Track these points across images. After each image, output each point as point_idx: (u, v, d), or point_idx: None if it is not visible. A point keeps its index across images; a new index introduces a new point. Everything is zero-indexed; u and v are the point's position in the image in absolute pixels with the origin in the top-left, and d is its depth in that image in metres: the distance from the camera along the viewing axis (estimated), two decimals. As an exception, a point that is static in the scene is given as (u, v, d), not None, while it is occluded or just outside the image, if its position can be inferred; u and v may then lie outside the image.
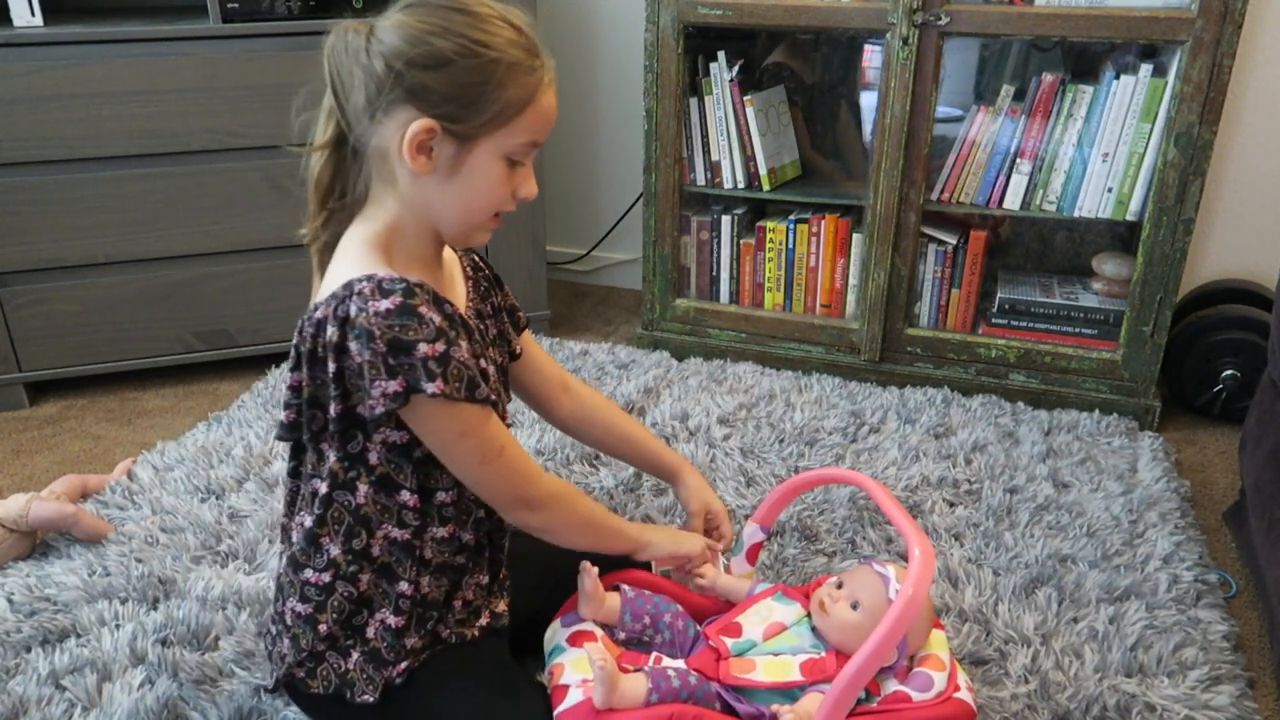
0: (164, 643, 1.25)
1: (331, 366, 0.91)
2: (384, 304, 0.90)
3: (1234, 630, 1.31)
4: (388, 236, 0.97)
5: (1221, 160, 2.03)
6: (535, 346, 1.26)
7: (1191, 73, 1.66)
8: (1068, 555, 1.45)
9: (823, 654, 1.10)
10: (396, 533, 1.01)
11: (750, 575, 1.26)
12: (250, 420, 1.85)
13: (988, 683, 1.20)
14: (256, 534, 1.48)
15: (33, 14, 1.80)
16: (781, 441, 1.77)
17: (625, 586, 1.17)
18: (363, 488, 0.99)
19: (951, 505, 1.59)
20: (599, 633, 1.13)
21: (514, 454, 1.01)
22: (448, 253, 1.10)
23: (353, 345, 0.90)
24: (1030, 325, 1.98)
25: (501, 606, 1.13)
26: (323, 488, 1.00)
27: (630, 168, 2.52)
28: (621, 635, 1.14)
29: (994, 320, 2.00)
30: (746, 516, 1.54)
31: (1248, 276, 2.07)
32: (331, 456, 0.98)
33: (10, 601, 1.32)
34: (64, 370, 2.00)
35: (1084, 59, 1.97)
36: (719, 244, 2.15)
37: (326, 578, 1.02)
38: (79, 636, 1.27)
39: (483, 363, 1.01)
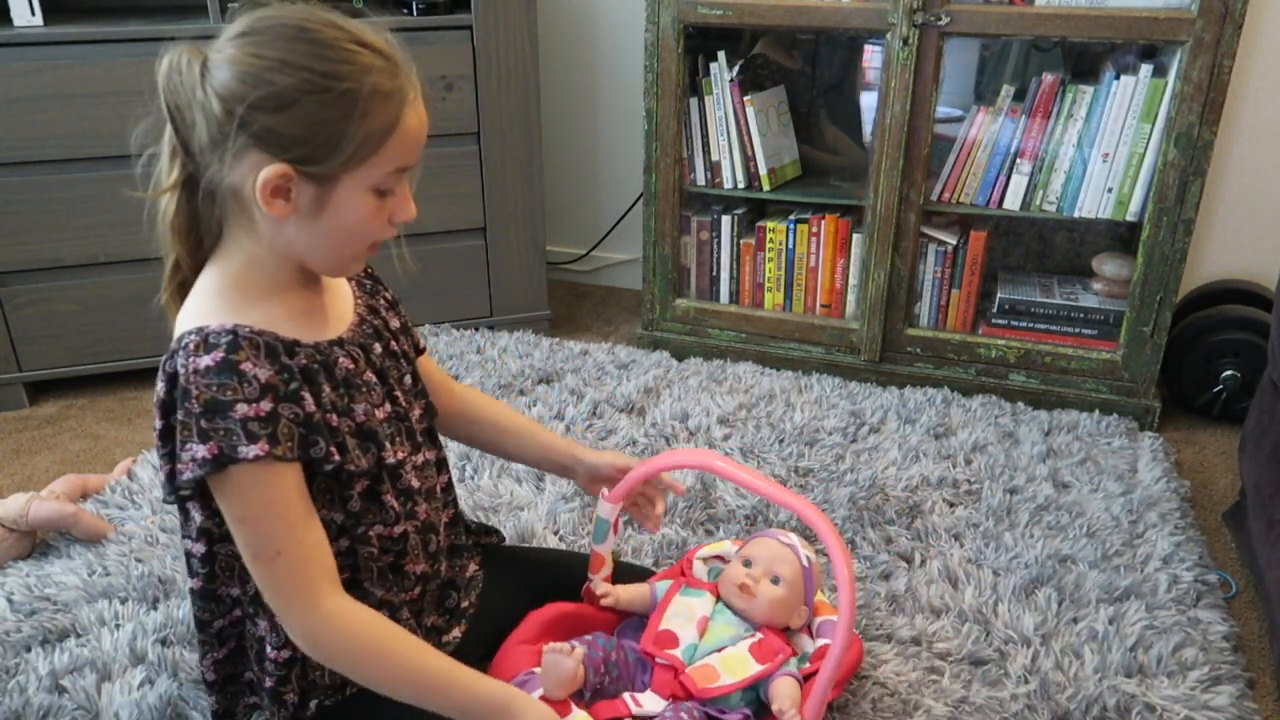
0: (164, 643, 1.25)
1: (158, 423, 0.87)
2: (205, 360, 0.84)
3: (1234, 630, 1.31)
4: (243, 275, 0.90)
5: (1221, 160, 2.03)
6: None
7: (1191, 73, 1.66)
8: (1068, 555, 1.45)
9: (756, 634, 1.12)
10: None
11: (613, 554, 1.20)
12: (250, 420, 1.85)
13: (988, 683, 1.20)
14: (256, 534, 1.48)
15: (33, 14, 1.80)
16: (781, 441, 1.77)
17: (576, 646, 1.07)
18: None
19: (951, 505, 1.59)
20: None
21: (299, 556, 0.87)
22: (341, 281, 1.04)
23: (178, 403, 0.85)
24: (1030, 325, 1.98)
25: (454, 633, 1.09)
26: (199, 548, 0.95)
27: (630, 168, 2.52)
28: (587, 695, 1.06)
29: (994, 320, 2.00)
30: (747, 517, 1.54)
31: (1248, 276, 2.07)
32: (198, 516, 0.93)
33: (10, 601, 1.32)
34: (64, 370, 2.00)
35: (1084, 59, 1.96)
36: (719, 244, 2.15)
37: (236, 613, 0.99)
38: (79, 636, 1.27)
39: (369, 374, 0.96)
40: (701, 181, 2.10)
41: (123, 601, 1.33)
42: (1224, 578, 1.44)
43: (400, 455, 0.98)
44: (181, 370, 0.85)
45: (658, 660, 1.10)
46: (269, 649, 0.97)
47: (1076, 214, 1.85)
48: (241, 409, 0.84)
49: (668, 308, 2.18)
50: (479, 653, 1.10)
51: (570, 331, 2.38)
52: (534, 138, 2.12)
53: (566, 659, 1.01)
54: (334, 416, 0.91)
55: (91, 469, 1.76)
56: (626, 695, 1.08)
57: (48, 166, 1.84)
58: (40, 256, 1.89)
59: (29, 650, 1.24)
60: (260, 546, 0.87)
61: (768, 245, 2.10)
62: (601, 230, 2.65)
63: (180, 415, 0.84)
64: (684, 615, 1.14)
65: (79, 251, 1.91)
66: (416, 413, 1.05)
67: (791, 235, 2.07)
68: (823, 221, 2.04)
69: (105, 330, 1.99)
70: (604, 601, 1.18)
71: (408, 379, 1.05)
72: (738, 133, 2.03)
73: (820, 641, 1.17)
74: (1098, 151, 1.80)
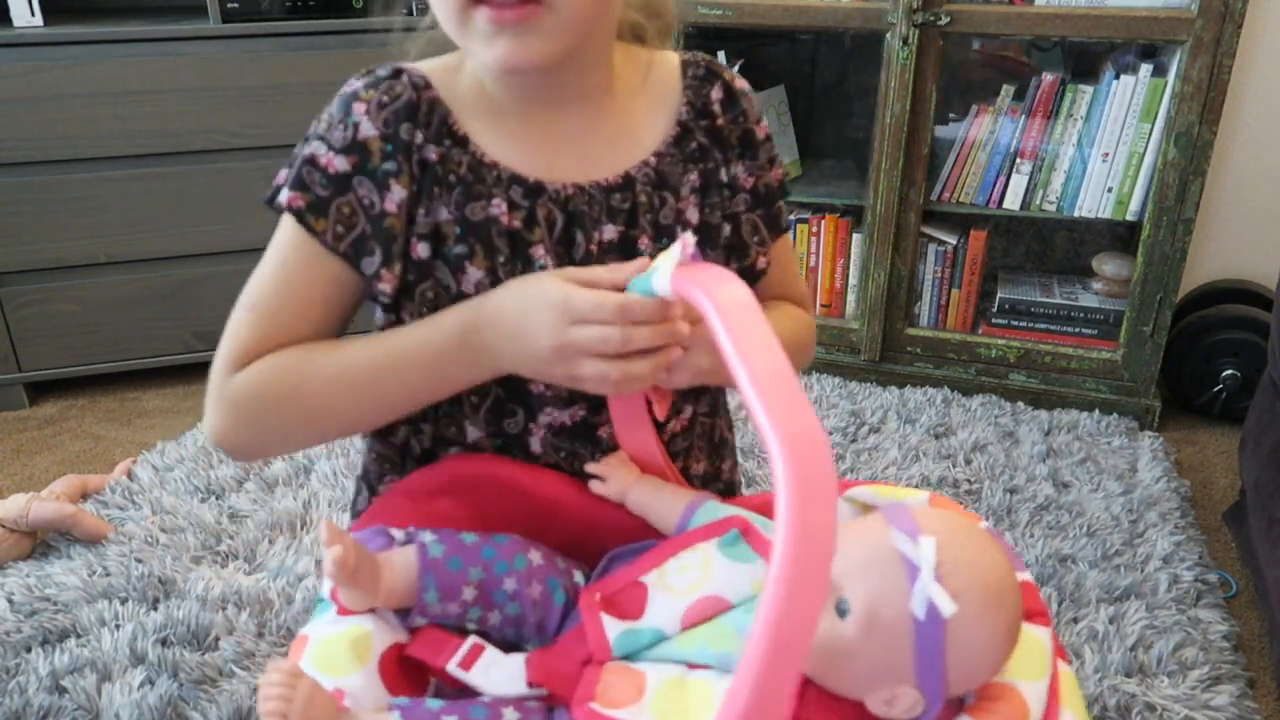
0: (164, 643, 1.24)
1: None
2: (348, 87, 0.74)
3: (1234, 630, 1.31)
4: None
5: (1221, 160, 2.03)
6: (781, 272, 0.87)
7: (1191, 73, 1.66)
8: (1068, 555, 1.45)
9: None
10: None
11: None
12: (250, 420, 1.85)
13: (988, 683, 1.20)
14: (256, 534, 1.48)
15: (33, 14, 1.80)
16: (781, 441, 1.77)
17: (427, 536, 0.69)
18: None
19: (951, 505, 1.59)
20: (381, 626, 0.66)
21: (255, 316, 0.74)
22: (660, 84, 0.80)
23: None
24: (1030, 325, 1.98)
25: None
26: None
27: (630, 168, 2.51)
28: (421, 621, 0.68)
29: (994, 320, 2.00)
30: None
31: (1248, 276, 2.07)
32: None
33: (10, 601, 1.32)
34: (64, 370, 2.00)
35: (1084, 59, 1.97)
36: (719, 244, 2.14)
37: None
38: (79, 636, 1.27)
39: (541, 250, 0.73)
40: (701, 181, 2.09)
41: (123, 601, 1.33)
42: (1224, 577, 1.44)
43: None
44: None
45: (584, 620, 0.67)
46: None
47: (1076, 214, 1.85)
48: (315, 147, 0.72)
49: (668, 308, 2.18)
50: None
51: (570, 331, 2.37)
52: (534, 138, 2.11)
53: (338, 547, 0.63)
54: (420, 246, 0.73)
55: (91, 469, 1.76)
56: (465, 652, 0.66)
57: (48, 166, 1.84)
58: (40, 256, 1.89)
59: (29, 650, 1.24)
60: (246, 291, 0.76)
61: (768, 245, 2.10)
62: (601, 230, 2.65)
63: None
64: (688, 578, 0.67)
65: (79, 251, 1.91)
66: None
67: (792, 235, 2.07)
68: (823, 221, 2.04)
69: (105, 330, 1.99)
70: (594, 486, 0.77)
71: None
72: (738, 133, 2.03)
73: None
74: (1097, 151, 1.80)
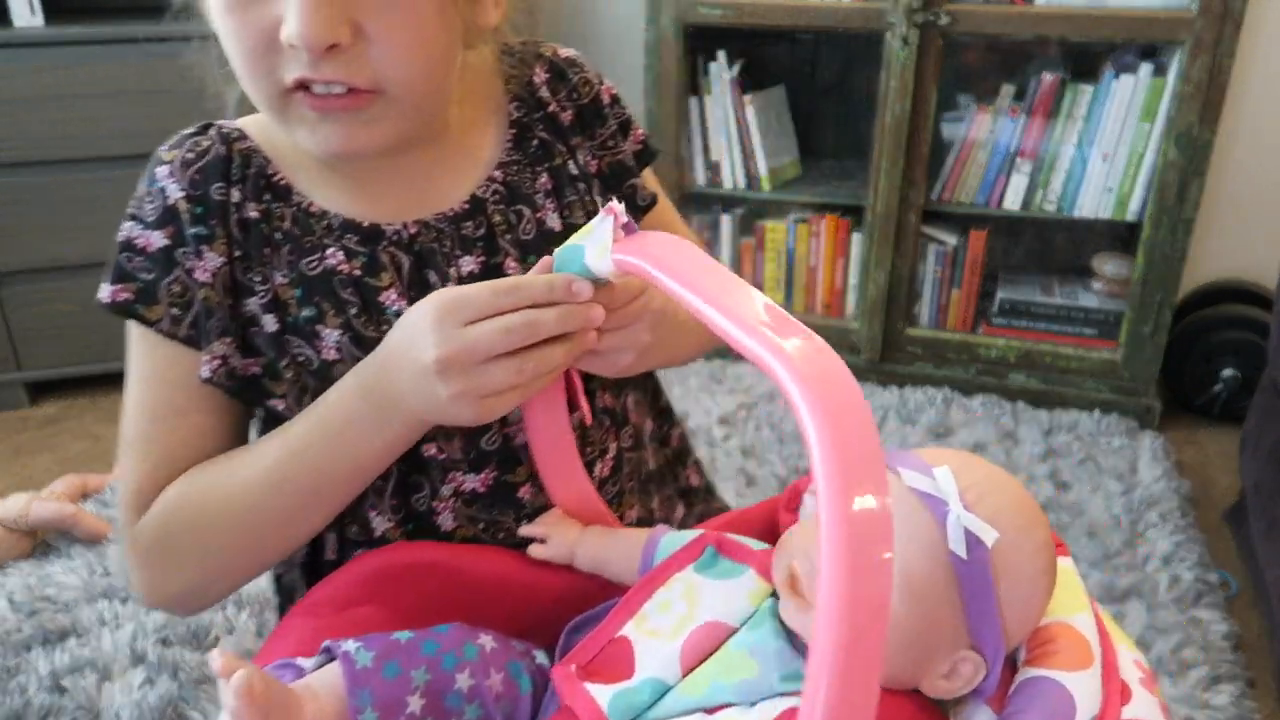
0: (164, 643, 1.25)
1: None
2: (158, 150, 0.68)
3: (1234, 630, 1.31)
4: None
5: (1221, 160, 2.03)
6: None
7: (1191, 73, 1.66)
8: (1068, 555, 1.45)
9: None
10: None
11: (632, 290, 0.61)
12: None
13: (988, 683, 1.21)
14: (256, 534, 1.48)
15: (33, 14, 1.80)
16: (782, 442, 1.77)
17: (349, 644, 0.55)
18: None
19: (951, 505, 1.59)
20: None
21: (135, 451, 0.64)
22: (487, 87, 0.73)
23: None
24: (1030, 325, 1.98)
25: None
26: None
27: (630, 168, 2.51)
28: None
29: (994, 320, 2.00)
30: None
31: (1248, 276, 2.07)
32: None
33: (10, 601, 1.32)
34: (64, 370, 2.00)
35: (1084, 59, 1.96)
36: (719, 244, 2.15)
37: None
38: (79, 636, 1.27)
39: (393, 294, 0.65)
40: (701, 181, 2.09)
41: (123, 602, 1.33)
42: (1224, 578, 1.44)
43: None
44: None
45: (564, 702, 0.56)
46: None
47: (1076, 214, 1.85)
48: (128, 229, 0.65)
49: (668, 308, 2.18)
50: None
51: (570, 331, 2.37)
52: (534, 138, 2.12)
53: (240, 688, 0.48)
54: (267, 319, 0.64)
55: (91, 469, 1.76)
56: None
57: (48, 166, 1.84)
58: (40, 256, 1.89)
59: (29, 650, 1.24)
60: (121, 426, 0.65)
61: (768, 245, 2.10)
62: (601, 230, 2.65)
63: None
64: (672, 618, 0.57)
65: (79, 251, 1.91)
66: None
67: (791, 235, 2.07)
68: (823, 221, 2.04)
69: (105, 330, 1.98)
70: (534, 550, 0.66)
71: None
72: (738, 133, 2.03)
73: None
74: (1098, 151, 1.80)
